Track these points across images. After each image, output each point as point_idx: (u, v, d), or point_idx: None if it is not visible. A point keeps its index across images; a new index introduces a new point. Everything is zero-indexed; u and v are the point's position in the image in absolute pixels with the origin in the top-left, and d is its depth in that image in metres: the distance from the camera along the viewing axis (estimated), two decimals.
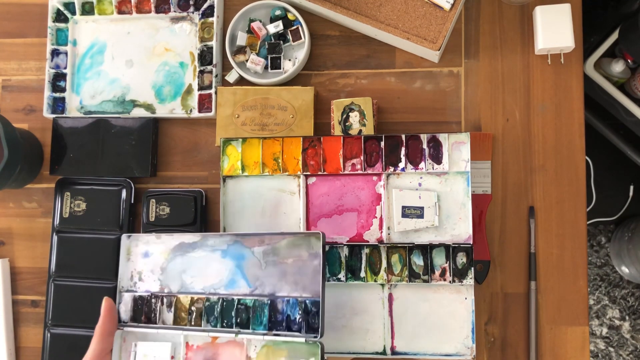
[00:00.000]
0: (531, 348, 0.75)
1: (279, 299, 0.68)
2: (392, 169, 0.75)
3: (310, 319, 0.67)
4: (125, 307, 0.73)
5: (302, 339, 0.65)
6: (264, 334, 0.67)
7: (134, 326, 0.71)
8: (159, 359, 0.69)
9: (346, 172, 0.76)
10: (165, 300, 0.72)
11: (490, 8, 0.81)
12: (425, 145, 0.75)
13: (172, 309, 0.72)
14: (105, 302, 0.69)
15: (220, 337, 0.69)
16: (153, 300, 0.72)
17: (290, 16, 0.82)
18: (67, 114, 0.85)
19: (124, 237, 0.74)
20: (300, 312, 0.67)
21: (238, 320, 0.69)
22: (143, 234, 0.74)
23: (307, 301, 0.67)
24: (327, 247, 0.76)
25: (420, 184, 0.75)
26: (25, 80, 0.88)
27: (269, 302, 0.69)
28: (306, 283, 0.68)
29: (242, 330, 0.69)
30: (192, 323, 0.71)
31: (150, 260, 0.73)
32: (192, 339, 0.69)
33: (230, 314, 0.69)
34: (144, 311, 0.72)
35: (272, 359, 0.67)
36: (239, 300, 0.69)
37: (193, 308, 0.71)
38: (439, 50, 0.76)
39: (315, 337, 0.65)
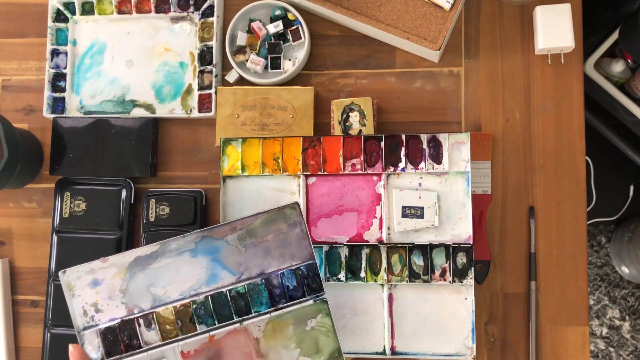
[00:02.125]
0: (531, 348, 0.75)
1: (272, 275, 0.69)
2: (392, 169, 0.75)
3: (309, 282, 0.69)
4: (92, 346, 0.68)
5: (310, 302, 0.68)
6: (269, 313, 0.68)
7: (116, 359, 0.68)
8: None
9: (346, 172, 0.76)
10: (141, 320, 0.68)
11: (490, 8, 0.81)
12: (425, 145, 0.75)
13: (155, 326, 0.68)
14: (73, 350, 0.64)
15: (217, 332, 0.68)
16: (127, 327, 0.68)
17: (290, 16, 0.82)
18: (67, 114, 0.85)
19: (60, 273, 0.68)
20: (297, 279, 0.69)
21: (237, 309, 0.69)
22: (82, 265, 0.68)
23: (301, 267, 0.69)
24: (326, 247, 0.76)
25: (420, 184, 0.75)
26: (25, 80, 0.88)
27: (263, 281, 0.69)
28: (293, 252, 0.69)
29: (244, 317, 0.69)
30: (184, 331, 0.68)
31: (104, 288, 0.68)
32: (187, 346, 0.68)
33: (225, 307, 0.69)
34: (121, 340, 0.68)
35: (279, 332, 0.68)
36: (229, 291, 0.69)
37: (179, 317, 0.68)
38: (439, 50, 0.76)
39: (319, 295, 0.68)
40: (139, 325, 0.68)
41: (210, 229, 0.69)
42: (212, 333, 0.68)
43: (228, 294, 0.69)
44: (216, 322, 0.69)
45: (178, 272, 0.69)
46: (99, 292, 0.68)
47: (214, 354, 0.68)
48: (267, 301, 0.69)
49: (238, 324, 0.68)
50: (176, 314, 0.69)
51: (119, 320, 0.68)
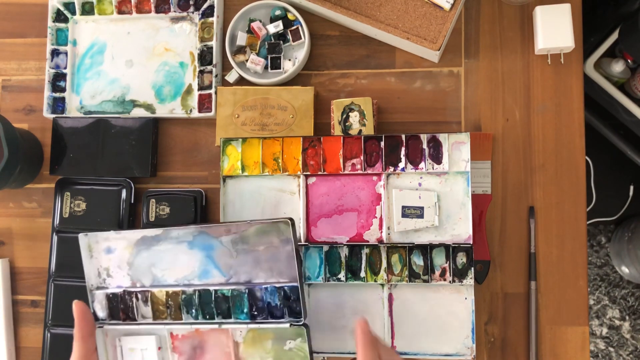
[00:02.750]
0: (531, 348, 0.75)
1: (257, 287, 0.69)
2: (392, 169, 0.75)
3: (291, 304, 0.68)
4: (100, 305, 0.73)
5: (287, 325, 0.67)
6: (247, 323, 0.68)
7: (114, 324, 0.72)
8: (147, 351, 0.70)
9: (346, 172, 0.76)
10: (140, 295, 0.72)
11: (490, 8, 0.81)
12: (425, 145, 0.75)
13: (149, 304, 0.72)
14: (76, 306, 0.67)
15: (200, 327, 0.70)
16: (127, 297, 0.72)
17: (290, 16, 0.82)
18: (67, 114, 0.85)
19: (81, 236, 0.72)
20: (280, 299, 0.68)
21: (219, 311, 0.70)
22: (99, 232, 0.72)
23: (285, 287, 0.68)
24: (327, 247, 0.76)
25: (420, 184, 0.75)
26: (25, 80, 0.88)
27: (246, 291, 0.69)
28: (282, 268, 0.68)
29: (224, 320, 0.69)
30: (172, 316, 0.71)
31: (115, 256, 0.72)
32: (176, 330, 0.70)
33: (209, 305, 0.70)
34: (120, 308, 0.72)
35: (259, 342, 0.68)
36: (216, 291, 0.70)
37: (170, 302, 0.71)
38: (439, 50, 0.76)
39: (298, 321, 0.67)
40: (137, 299, 0.72)
41: (208, 226, 0.69)
42: (196, 327, 0.70)
43: (214, 293, 0.70)
44: (200, 316, 0.70)
45: (176, 259, 0.71)
46: (111, 259, 0.72)
47: (198, 344, 0.70)
48: (247, 311, 0.69)
49: (217, 325, 0.69)
50: (167, 299, 0.71)
51: (123, 290, 0.72)
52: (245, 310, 0.69)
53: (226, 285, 0.70)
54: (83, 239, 0.73)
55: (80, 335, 0.67)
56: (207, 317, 0.70)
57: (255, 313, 0.69)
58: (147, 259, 0.71)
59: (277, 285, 0.68)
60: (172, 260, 0.71)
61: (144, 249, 0.71)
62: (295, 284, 0.67)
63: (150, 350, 0.70)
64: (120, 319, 0.72)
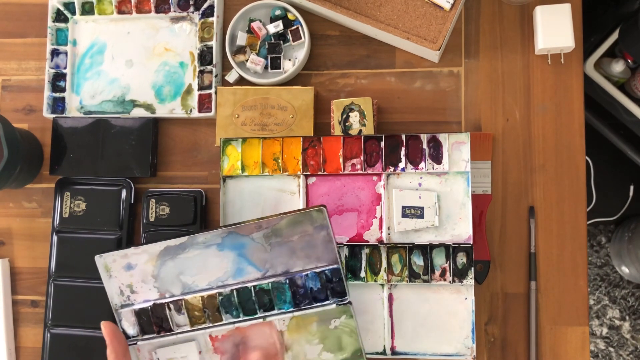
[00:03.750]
0: (531, 348, 0.75)
1: (297, 275, 0.69)
2: (392, 169, 0.75)
3: (334, 286, 0.69)
4: (128, 323, 0.71)
5: (333, 306, 0.68)
6: (292, 312, 0.69)
7: (149, 338, 0.70)
8: (187, 358, 0.70)
9: (346, 172, 0.76)
10: (172, 305, 0.70)
11: (490, 8, 0.81)
12: (425, 145, 0.75)
13: (184, 312, 0.70)
14: (105, 327, 0.67)
15: (242, 324, 0.70)
16: (159, 309, 0.70)
17: (290, 16, 0.82)
18: (67, 114, 0.85)
19: (96, 257, 0.70)
20: (321, 282, 0.69)
21: (260, 305, 0.70)
22: (116, 251, 0.70)
23: (326, 271, 0.69)
24: None
25: (420, 184, 0.75)
26: (25, 80, 0.88)
27: (287, 281, 0.69)
28: (319, 254, 0.69)
29: (268, 313, 0.70)
30: (211, 319, 0.70)
31: (137, 272, 0.70)
32: (215, 332, 0.70)
33: (250, 301, 0.70)
34: (153, 321, 0.71)
35: (303, 327, 0.69)
36: (254, 286, 0.69)
37: (207, 306, 0.70)
38: (439, 50, 0.76)
39: (343, 300, 0.69)
40: (170, 310, 0.71)
41: (237, 226, 0.69)
42: (239, 325, 0.70)
43: (253, 289, 0.70)
44: (241, 314, 0.70)
45: (206, 264, 0.70)
46: (133, 275, 0.70)
47: (240, 341, 0.70)
48: (291, 300, 0.69)
49: (261, 319, 0.69)
50: (203, 304, 0.70)
51: (152, 303, 0.71)
52: (287, 299, 0.69)
53: (263, 279, 0.69)
54: (99, 260, 0.70)
55: (114, 356, 0.66)
56: (249, 313, 0.70)
57: (299, 300, 0.69)
58: (174, 268, 0.70)
59: (317, 270, 0.69)
60: (202, 265, 0.70)
61: (169, 259, 0.69)
62: (335, 266, 0.68)
63: (191, 356, 0.69)
64: (154, 332, 0.71)
